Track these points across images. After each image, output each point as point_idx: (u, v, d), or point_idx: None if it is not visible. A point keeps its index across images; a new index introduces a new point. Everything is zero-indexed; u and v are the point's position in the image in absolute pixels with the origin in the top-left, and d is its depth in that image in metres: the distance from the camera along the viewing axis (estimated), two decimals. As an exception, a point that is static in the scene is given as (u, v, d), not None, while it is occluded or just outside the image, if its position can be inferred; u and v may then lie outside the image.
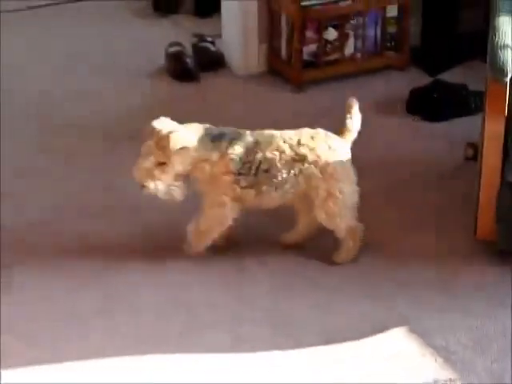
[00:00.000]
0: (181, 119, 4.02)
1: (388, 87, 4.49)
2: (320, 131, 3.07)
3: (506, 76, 2.81)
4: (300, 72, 4.47)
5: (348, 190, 3.03)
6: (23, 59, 4.94)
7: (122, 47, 5.12)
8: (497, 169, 2.91)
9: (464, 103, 4.15)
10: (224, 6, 4.79)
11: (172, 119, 3.86)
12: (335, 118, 4.08)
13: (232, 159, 2.93)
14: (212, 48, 4.82)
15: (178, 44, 4.79)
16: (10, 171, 3.77)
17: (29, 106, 4.38)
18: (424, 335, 2.73)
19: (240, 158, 2.94)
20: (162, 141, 2.91)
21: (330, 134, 3.08)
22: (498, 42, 2.88)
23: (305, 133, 3.05)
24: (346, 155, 3.06)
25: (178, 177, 2.99)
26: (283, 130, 3.06)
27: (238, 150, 2.94)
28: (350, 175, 3.05)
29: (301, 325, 2.81)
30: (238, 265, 3.12)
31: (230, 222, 3.06)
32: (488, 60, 2.87)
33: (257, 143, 2.98)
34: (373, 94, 4.43)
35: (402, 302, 2.89)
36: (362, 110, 4.26)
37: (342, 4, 4.46)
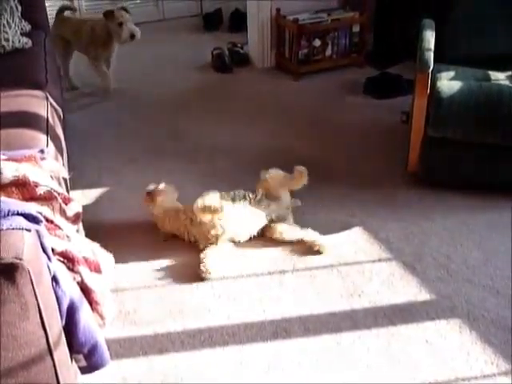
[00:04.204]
0: (220, 95, 3.99)
1: (352, 77, 4.43)
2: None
3: (429, 68, 2.79)
4: (297, 67, 4.44)
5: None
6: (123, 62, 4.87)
7: (184, 51, 5.06)
8: (421, 127, 2.87)
9: (400, 87, 4.09)
10: (249, 24, 4.73)
11: (214, 94, 3.82)
12: (318, 94, 4.07)
13: None
14: (241, 51, 4.79)
15: (219, 48, 4.76)
16: (115, 125, 3.77)
17: (132, 88, 4.38)
18: (372, 232, 2.72)
19: None
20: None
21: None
22: (424, 47, 2.84)
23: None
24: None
25: None
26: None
27: None
28: None
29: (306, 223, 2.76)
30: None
31: None
32: (417, 58, 2.82)
33: None
34: (342, 81, 4.41)
35: (359, 212, 2.86)
36: (335, 91, 4.25)
37: (324, 23, 4.41)
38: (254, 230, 2.67)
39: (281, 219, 2.71)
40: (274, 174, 2.76)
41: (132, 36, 3.96)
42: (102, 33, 4.05)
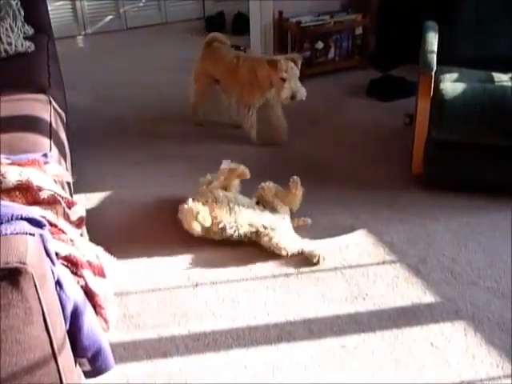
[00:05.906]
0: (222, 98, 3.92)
1: (355, 79, 4.44)
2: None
3: (432, 70, 2.80)
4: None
5: None
6: (127, 65, 4.89)
7: (186, 54, 5.05)
8: (425, 129, 2.87)
9: (403, 89, 4.09)
10: (251, 27, 4.74)
11: (217, 97, 3.75)
12: (321, 96, 4.05)
13: None
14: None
15: (222, 51, 4.68)
16: (118, 129, 3.75)
17: (134, 91, 4.37)
18: (377, 234, 2.71)
19: None
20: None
21: None
22: (426, 49, 2.85)
23: None
24: None
25: None
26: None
27: None
28: None
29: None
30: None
31: None
32: (420, 60, 2.83)
33: None
34: (345, 83, 4.42)
35: (363, 214, 2.85)
36: (338, 94, 4.25)
37: (326, 26, 4.43)
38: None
39: (272, 228, 2.60)
40: (268, 186, 2.76)
41: (293, 97, 3.28)
42: (263, 77, 3.40)
